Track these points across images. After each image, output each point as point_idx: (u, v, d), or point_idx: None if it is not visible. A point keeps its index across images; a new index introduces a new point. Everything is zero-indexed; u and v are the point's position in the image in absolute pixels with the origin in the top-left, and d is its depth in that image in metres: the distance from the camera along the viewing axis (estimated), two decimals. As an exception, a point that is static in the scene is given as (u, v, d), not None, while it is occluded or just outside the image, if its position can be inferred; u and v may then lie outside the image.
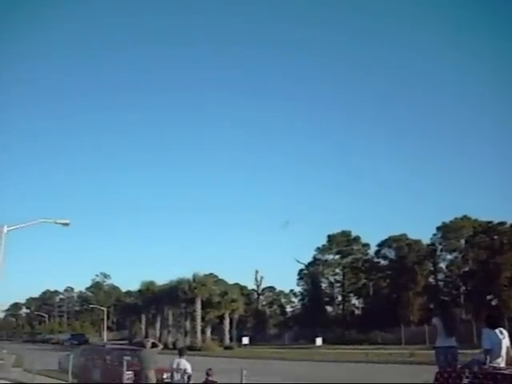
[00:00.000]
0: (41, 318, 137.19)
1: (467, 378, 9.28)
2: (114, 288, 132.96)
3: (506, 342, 10.57)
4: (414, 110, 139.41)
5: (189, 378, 16.16)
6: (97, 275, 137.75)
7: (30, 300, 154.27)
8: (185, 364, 16.38)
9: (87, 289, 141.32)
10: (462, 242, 79.54)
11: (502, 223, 75.45)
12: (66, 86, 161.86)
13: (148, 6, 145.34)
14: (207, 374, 15.50)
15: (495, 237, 75.40)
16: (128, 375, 19.07)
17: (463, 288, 78.72)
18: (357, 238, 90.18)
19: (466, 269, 78.69)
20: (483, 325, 11.23)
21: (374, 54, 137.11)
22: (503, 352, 10.45)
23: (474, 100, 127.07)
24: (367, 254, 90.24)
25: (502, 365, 10.25)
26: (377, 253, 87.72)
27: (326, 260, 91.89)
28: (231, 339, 74.42)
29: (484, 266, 71.26)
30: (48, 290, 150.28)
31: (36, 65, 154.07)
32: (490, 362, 10.17)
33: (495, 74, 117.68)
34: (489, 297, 71.20)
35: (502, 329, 10.81)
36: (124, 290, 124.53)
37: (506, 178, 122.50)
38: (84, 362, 24.76)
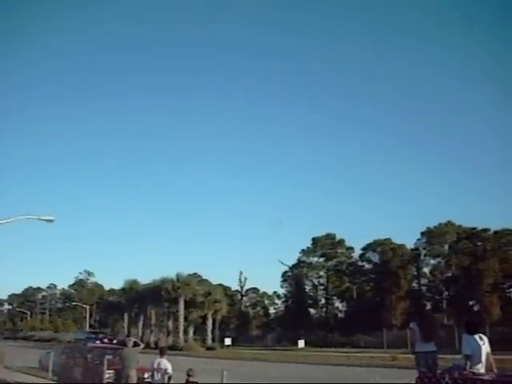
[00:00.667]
0: (23, 315, 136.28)
1: (447, 383, 9.32)
2: (98, 286, 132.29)
3: (485, 348, 10.62)
4: (400, 116, 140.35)
5: (169, 378, 16.10)
6: (80, 273, 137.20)
7: (12, 296, 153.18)
8: (165, 364, 16.32)
9: (70, 286, 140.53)
10: (446, 247, 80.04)
11: (485, 230, 76.01)
12: (63, 88, 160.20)
13: (148, 11, 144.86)
14: (188, 375, 15.43)
15: (478, 243, 75.89)
16: (109, 374, 18.97)
17: (446, 293, 79.20)
18: (341, 241, 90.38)
19: (449, 274, 79.16)
20: (463, 330, 11.28)
21: (369, 60, 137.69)
22: (483, 358, 10.49)
23: (459, 106, 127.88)
24: (351, 258, 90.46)
25: (482, 370, 10.30)
26: (361, 256, 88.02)
27: (311, 262, 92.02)
28: (213, 340, 74.35)
29: (467, 271, 71.66)
30: (30, 287, 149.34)
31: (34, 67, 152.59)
32: (470, 368, 10.21)
33: (487, 79, 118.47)
34: (471, 302, 71.61)
35: (481, 335, 10.86)
36: (107, 288, 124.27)
37: (490, 185, 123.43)
38: (65, 360, 24.60)
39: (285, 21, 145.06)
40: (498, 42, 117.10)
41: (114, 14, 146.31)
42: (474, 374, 9.99)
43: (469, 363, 10.31)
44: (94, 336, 52.43)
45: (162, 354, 17.05)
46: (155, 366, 16.44)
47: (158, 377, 16.23)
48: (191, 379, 15.38)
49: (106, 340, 48.30)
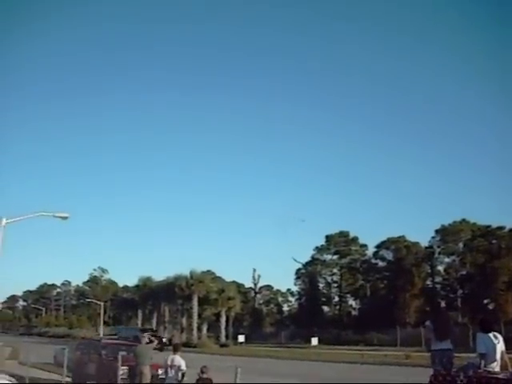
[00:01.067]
0: (37, 311, 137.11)
1: (461, 381, 9.28)
2: (112, 283, 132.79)
3: (500, 347, 10.57)
4: (414, 115, 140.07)
5: (183, 375, 16.13)
6: (94, 269, 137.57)
7: (27, 293, 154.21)
8: (179, 361, 16.35)
9: (84, 283, 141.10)
10: (461, 245, 79.61)
11: (500, 228, 75.55)
12: (66, 84, 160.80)
13: (147, 9, 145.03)
14: (201, 372, 15.47)
15: (493, 241, 75.50)
16: (122, 370, 19.03)
17: (460, 291, 78.76)
18: (355, 239, 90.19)
19: (464, 272, 78.77)
20: (477, 329, 11.25)
21: (372, 60, 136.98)
22: (498, 356, 10.44)
23: (472, 105, 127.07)
24: (365, 255, 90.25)
25: (497, 369, 10.25)
26: (375, 254, 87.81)
27: (324, 260, 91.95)
28: (227, 337, 74.40)
29: (481, 269, 71.30)
30: (45, 284, 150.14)
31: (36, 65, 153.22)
32: (485, 366, 10.17)
33: (494, 80, 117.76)
34: (486, 301, 71.25)
35: (496, 333, 10.81)
36: (121, 284, 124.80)
37: (505, 183, 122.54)
38: (79, 356, 24.71)
39: (285, 19, 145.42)
40: (499, 41, 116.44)
41: (114, 12, 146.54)
42: (488, 372, 9.95)
43: (483, 362, 10.27)
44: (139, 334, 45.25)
45: (175, 350, 17.09)
46: (169, 362, 16.48)
47: (171, 373, 16.27)
48: (204, 376, 15.43)
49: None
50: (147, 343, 19.39)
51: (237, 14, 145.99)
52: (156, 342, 20.43)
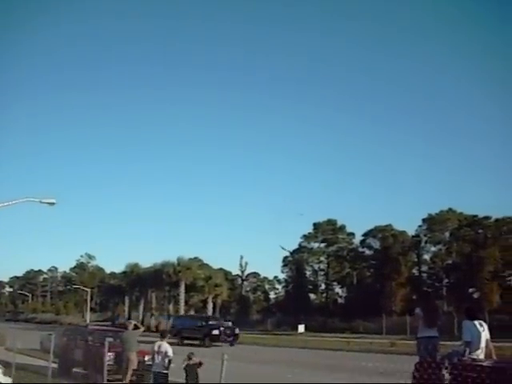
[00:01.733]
0: (24, 297, 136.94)
1: (446, 368, 9.35)
2: (99, 269, 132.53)
3: (485, 335, 10.68)
4: (401, 106, 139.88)
5: (169, 361, 16.18)
6: (81, 256, 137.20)
7: (14, 279, 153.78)
8: (166, 347, 16.39)
9: (71, 269, 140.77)
10: (447, 234, 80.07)
11: (486, 217, 76.03)
12: (64, 79, 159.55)
13: (147, 5, 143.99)
14: (189, 358, 15.58)
15: (480, 231, 75.97)
16: (109, 356, 19.05)
17: (446, 280, 79.30)
18: (342, 227, 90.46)
19: (450, 261, 79.26)
20: (463, 317, 11.35)
21: (370, 56, 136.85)
22: (482, 344, 10.55)
23: (459, 97, 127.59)
24: (352, 244, 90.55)
25: (481, 357, 10.36)
26: (362, 242, 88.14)
27: (311, 248, 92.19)
28: (214, 324, 74.57)
29: (467, 259, 71.74)
30: (32, 270, 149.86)
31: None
32: (470, 354, 10.27)
33: (487, 74, 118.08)
34: (471, 290, 71.78)
35: (481, 321, 10.92)
36: (108, 271, 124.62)
37: (492, 173, 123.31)
38: (66, 342, 24.73)
39: (287, 16, 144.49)
40: (500, 38, 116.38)
41: (113, 7, 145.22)
42: (473, 360, 10.04)
43: (468, 349, 10.36)
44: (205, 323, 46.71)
45: (162, 337, 17.13)
46: (156, 348, 16.50)
47: (158, 360, 16.31)
48: (191, 362, 15.52)
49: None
50: (134, 329, 19.38)
51: (236, 11, 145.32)
52: (142, 328, 20.37)
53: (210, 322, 48.01)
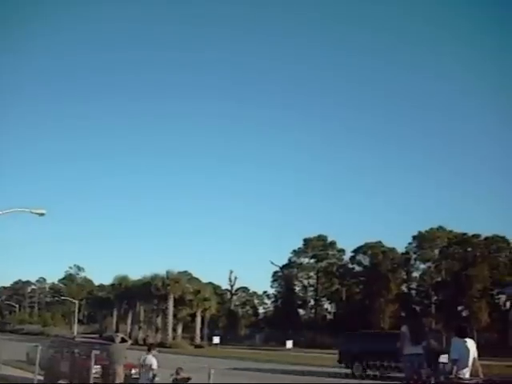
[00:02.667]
0: (11, 308, 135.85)
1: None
2: (87, 281, 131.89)
3: (473, 353, 10.71)
4: (392, 120, 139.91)
5: (154, 375, 16.15)
6: (70, 267, 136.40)
7: (1, 289, 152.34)
8: (150, 360, 16.36)
9: (60, 280, 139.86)
10: (436, 252, 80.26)
11: (476, 236, 76.38)
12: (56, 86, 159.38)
13: (148, 8, 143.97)
14: (177, 373, 15.59)
15: (469, 249, 76.32)
16: (96, 369, 18.94)
17: (435, 298, 79.44)
18: (333, 243, 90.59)
19: (439, 279, 79.47)
20: (453, 334, 11.39)
21: (366, 63, 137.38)
22: (470, 362, 10.58)
23: (450, 110, 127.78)
24: (342, 260, 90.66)
25: (467, 375, 10.39)
26: (352, 259, 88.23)
27: (301, 263, 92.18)
28: (202, 338, 74.38)
29: (456, 277, 71.98)
30: (20, 280, 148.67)
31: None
32: (457, 372, 10.29)
33: (487, 88, 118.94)
34: (459, 308, 71.91)
35: (471, 339, 10.97)
36: (97, 283, 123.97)
37: (482, 191, 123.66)
38: (52, 354, 24.56)
39: (286, 23, 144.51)
40: (499, 45, 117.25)
41: (114, 11, 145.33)
42: (459, 378, 10.06)
43: (455, 368, 10.39)
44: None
45: (149, 350, 17.10)
46: (141, 361, 16.48)
47: (143, 373, 16.29)
48: (179, 377, 15.51)
49: None
50: (121, 342, 19.29)
51: (238, 17, 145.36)
52: (130, 341, 20.31)
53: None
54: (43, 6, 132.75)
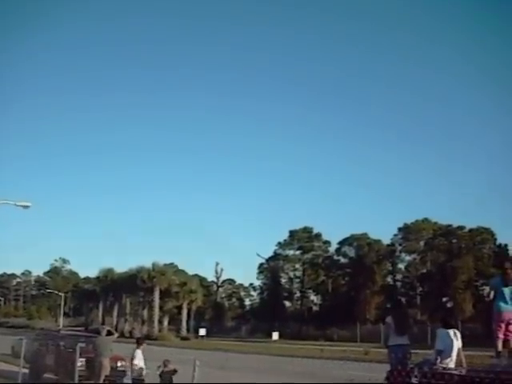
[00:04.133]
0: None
1: (416, 377, 9.44)
2: (73, 274, 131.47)
3: (457, 344, 10.78)
4: (382, 112, 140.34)
5: (141, 368, 16.25)
6: (56, 260, 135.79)
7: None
8: (139, 354, 16.45)
9: (45, 273, 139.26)
10: (422, 243, 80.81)
11: (461, 227, 76.87)
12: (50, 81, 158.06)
13: (149, 5, 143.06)
14: (164, 365, 15.69)
15: (454, 240, 76.80)
16: (81, 362, 18.88)
17: (420, 289, 79.99)
18: (318, 235, 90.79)
19: (424, 270, 79.99)
20: (438, 325, 11.46)
21: (367, 57, 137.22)
22: (454, 353, 10.65)
23: (443, 103, 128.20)
24: (328, 251, 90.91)
25: (451, 365, 10.45)
26: (337, 250, 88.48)
27: (287, 255, 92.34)
28: (188, 330, 74.44)
29: (441, 268, 72.42)
30: (5, 273, 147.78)
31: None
32: (440, 363, 10.36)
33: (480, 80, 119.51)
34: (444, 299, 72.36)
35: (456, 330, 11.04)
36: (83, 276, 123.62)
37: (467, 184, 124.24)
38: (38, 347, 24.45)
39: (287, 18, 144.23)
40: (502, 42, 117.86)
41: (115, 8, 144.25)
42: (443, 368, 10.13)
43: (439, 358, 10.46)
44: None
45: (138, 344, 17.15)
46: (132, 355, 16.60)
47: (133, 366, 16.38)
48: (166, 369, 15.58)
49: None
50: (107, 335, 19.25)
51: (238, 13, 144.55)
52: (116, 334, 20.27)
53: None
54: (43, 1, 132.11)
